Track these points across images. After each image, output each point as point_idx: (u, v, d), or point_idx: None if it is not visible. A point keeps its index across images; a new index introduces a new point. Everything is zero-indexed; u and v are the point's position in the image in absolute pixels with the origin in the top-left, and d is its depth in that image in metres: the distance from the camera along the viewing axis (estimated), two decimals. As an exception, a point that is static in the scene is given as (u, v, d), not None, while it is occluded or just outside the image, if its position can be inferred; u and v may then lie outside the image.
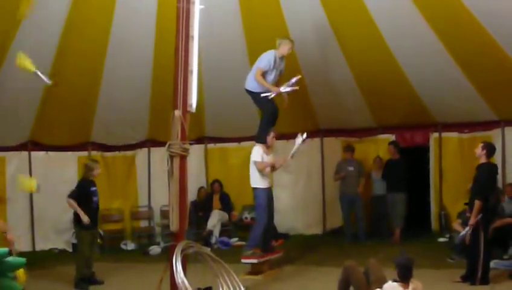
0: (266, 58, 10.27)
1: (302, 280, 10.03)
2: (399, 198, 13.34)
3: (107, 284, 10.30)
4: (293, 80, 10.15)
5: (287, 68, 10.68)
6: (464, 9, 10.02)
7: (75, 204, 10.07)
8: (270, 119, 10.49)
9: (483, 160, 9.42)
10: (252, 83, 10.38)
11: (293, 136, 12.79)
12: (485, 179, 9.32)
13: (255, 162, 10.24)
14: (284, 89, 10.20)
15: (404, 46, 11.51)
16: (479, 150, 9.46)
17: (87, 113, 13.06)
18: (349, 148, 13.94)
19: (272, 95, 10.22)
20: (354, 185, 13.67)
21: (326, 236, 14.40)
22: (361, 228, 13.68)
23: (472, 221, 9.11)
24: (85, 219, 9.95)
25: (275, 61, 10.28)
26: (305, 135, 10.42)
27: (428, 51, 11.36)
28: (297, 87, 10.27)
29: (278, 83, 10.47)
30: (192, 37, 7.11)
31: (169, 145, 6.89)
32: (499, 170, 12.41)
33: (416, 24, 10.77)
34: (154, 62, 12.13)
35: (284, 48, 10.37)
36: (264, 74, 10.26)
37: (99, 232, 11.54)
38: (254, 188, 10.37)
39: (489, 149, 9.45)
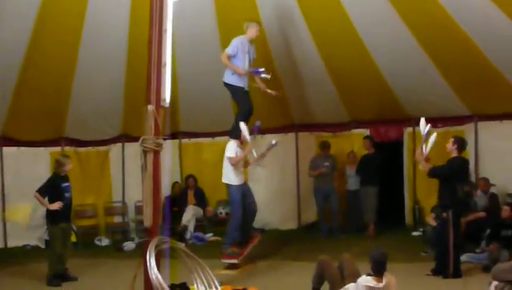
0: (233, 43, 10.23)
1: (278, 275, 10.04)
2: (371, 192, 13.43)
3: (81, 280, 10.21)
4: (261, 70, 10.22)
5: (261, 60, 10.66)
6: (437, 6, 10.08)
7: (40, 198, 10.01)
8: (245, 115, 10.45)
9: (454, 154, 9.55)
10: (229, 76, 10.33)
11: (267, 131, 12.83)
12: (448, 170, 9.45)
13: (229, 158, 10.22)
14: (252, 70, 10.24)
15: (378, 42, 11.58)
16: (450, 145, 9.58)
17: (60, 107, 12.93)
18: (325, 145, 13.93)
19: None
20: (329, 179, 13.71)
21: (301, 231, 14.42)
22: (335, 222, 13.73)
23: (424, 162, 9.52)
24: (54, 205, 9.91)
25: (243, 46, 10.24)
26: (274, 141, 10.46)
27: (403, 47, 11.42)
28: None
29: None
30: (166, 30, 7.04)
31: (142, 140, 6.83)
32: (472, 165, 12.59)
33: (390, 19, 10.81)
34: (128, 54, 12.04)
35: (252, 31, 10.35)
36: (232, 59, 10.23)
37: (72, 228, 11.46)
38: (227, 185, 10.36)
39: (460, 144, 9.58)
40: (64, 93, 12.61)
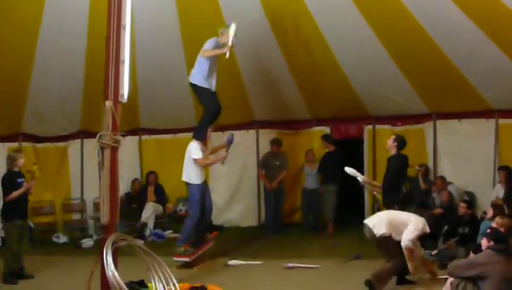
0: (210, 42, 10.16)
1: (237, 272, 10.04)
2: (331, 190, 13.44)
3: (37, 277, 10.08)
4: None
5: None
6: (401, 7, 10.15)
7: None
8: (211, 118, 10.46)
9: (393, 152, 9.64)
10: (196, 77, 10.26)
11: (228, 128, 12.81)
12: (399, 169, 9.57)
13: (196, 160, 10.21)
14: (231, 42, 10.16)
15: (341, 40, 11.57)
16: (390, 142, 9.67)
17: (17, 102, 12.70)
18: (276, 142, 13.86)
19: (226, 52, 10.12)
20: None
21: (261, 228, 14.39)
22: (279, 220, 13.86)
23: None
24: (14, 195, 9.78)
25: (217, 46, 10.18)
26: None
27: (365, 46, 11.48)
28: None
29: None
30: (124, 26, 6.96)
31: (100, 136, 6.76)
32: (431, 163, 12.74)
33: (354, 19, 10.82)
34: (88, 49, 11.82)
35: (226, 37, 10.28)
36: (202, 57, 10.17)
37: (29, 224, 11.31)
38: (188, 184, 10.34)
39: (400, 142, 9.64)
40: (21, 88, 12.38)
